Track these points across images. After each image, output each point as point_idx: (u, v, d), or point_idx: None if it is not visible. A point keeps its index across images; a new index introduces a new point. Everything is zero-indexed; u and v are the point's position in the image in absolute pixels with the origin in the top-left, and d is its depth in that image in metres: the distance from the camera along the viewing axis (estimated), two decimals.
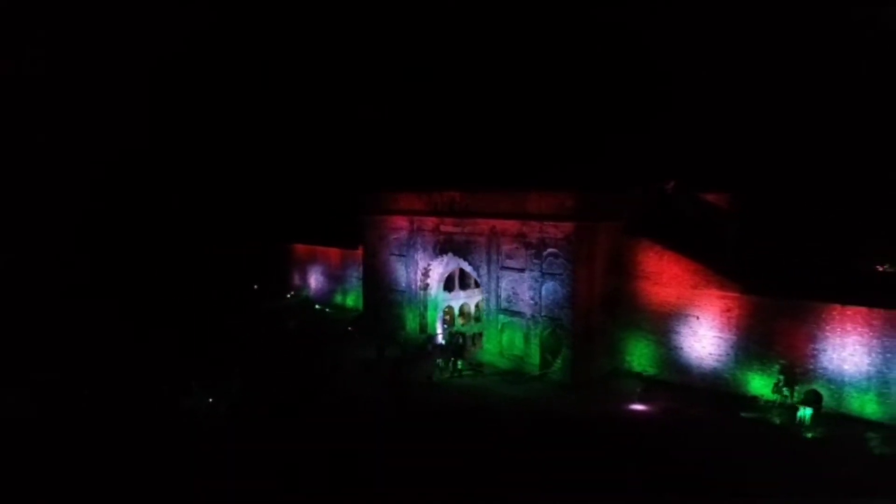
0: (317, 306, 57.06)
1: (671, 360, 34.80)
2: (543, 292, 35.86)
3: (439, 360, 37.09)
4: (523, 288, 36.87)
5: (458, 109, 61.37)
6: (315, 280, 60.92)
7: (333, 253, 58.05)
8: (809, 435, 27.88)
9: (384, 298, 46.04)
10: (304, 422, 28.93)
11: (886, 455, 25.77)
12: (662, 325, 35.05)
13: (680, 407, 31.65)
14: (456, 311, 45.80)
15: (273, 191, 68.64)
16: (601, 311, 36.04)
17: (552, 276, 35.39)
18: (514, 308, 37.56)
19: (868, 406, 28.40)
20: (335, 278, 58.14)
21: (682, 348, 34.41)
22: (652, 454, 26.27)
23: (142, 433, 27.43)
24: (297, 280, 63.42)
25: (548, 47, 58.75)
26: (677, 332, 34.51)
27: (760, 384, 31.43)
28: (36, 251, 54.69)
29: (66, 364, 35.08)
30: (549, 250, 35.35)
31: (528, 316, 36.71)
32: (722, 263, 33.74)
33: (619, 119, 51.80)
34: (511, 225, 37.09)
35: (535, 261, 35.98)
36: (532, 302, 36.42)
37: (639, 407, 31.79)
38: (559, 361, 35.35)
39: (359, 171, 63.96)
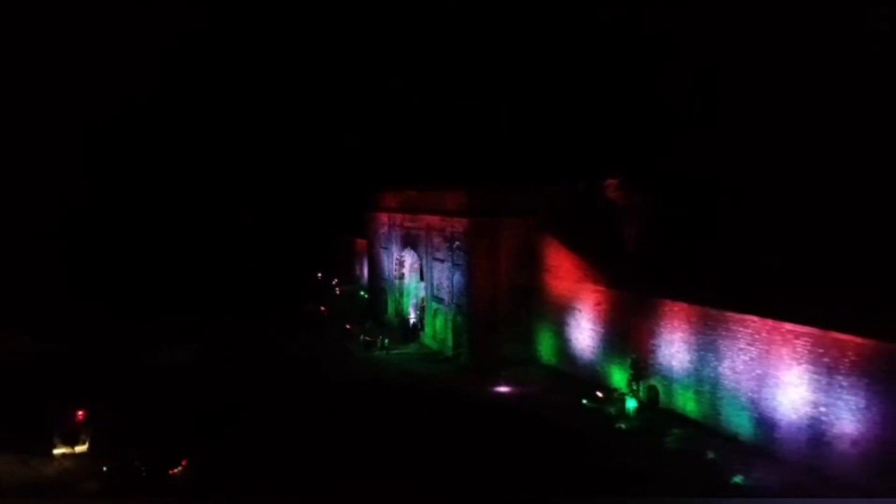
0: (361, 293, 64.77)
1: (565, 350, 36.17)
2: (454, 281, 39.34)
3: (363, 337, 42.42)
4: (444, 277, 40.62)
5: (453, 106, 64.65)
6: (367, 270, 68.81)
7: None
8: (620, 426, 28.47)
9: (377, 286, 52.19)
10: (227, 374, 36.41)
11: (676, 451, 25.85)
12: (560, 317, 36.52)
13: (540, 392, 33.43)
14: None
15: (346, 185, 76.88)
16: (510, 302, 38.37)
17: (459, 266, 38.76)
18: (440, 295, 41.42)
19: (689, 403, 28.01)
20: None
21: (571, 340, 35.67)
22: (467, 424, 29.17)
23: (112, 374, 36.88)
24: (357, 270, 71.87)
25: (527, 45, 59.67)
26: (568, 325, 35.81)
27: (620, 377, 31.91)
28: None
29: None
30: (457, 243, 38.76)
31: (447, 303, 40.40)
32: (607, 259, 34.47)
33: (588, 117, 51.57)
34: (437, 220, 40.98)
35: (450, 252, 39.58)
36: (448, 290, 40.05)
37: (503, 389, 34.21)
38: (464, 346, 38.63)
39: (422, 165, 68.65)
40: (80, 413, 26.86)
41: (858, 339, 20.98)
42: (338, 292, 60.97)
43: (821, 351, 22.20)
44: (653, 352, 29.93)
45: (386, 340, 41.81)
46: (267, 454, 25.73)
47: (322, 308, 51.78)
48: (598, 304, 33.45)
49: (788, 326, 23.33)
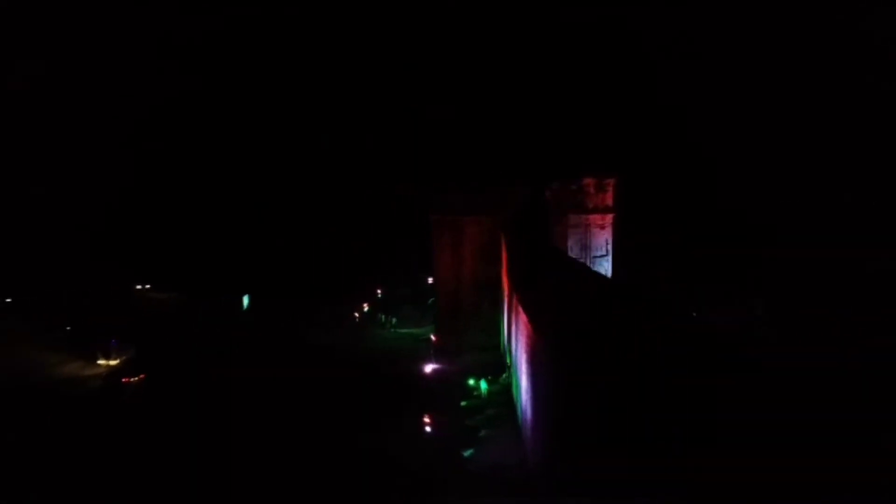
0: None
1: (505, 339, 38.72)
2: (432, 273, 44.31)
3: (381, 316, 49.34)
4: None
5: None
6: None
7: None
8: (463, 403, 31.27)
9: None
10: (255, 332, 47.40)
11: (465, 427, 28.34)
12: (504, 307, 39.13)
13: (455, 372, 36.98)
14: None
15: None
16: (474, 294, 41.97)
17: (434, 259, 43.64)
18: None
19: (516, 390, 29.47)
20: None
21: (505, 329, 38.12)
22: (360, 384, 34.95)
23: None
24: None
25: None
26: (506, 315, 38.30)
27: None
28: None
29: None
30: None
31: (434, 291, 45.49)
32: (532, 256, 36.27)
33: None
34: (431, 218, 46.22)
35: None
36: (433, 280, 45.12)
37: (429, 367, 38.50)
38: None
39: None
40: (115, 339, 40.29)
41: (531, 325, 21.95)
42: (430, 280, 68.42)
43: (530, 339, 23.28)
44: (510, 341, 31.81)
45: (393, 320, 48.53)
46: (214, 386, 35.40)
47: (378, 290, 60.19)
48: (508, 293, 35.72)
49: (523, 316, 24.54)
